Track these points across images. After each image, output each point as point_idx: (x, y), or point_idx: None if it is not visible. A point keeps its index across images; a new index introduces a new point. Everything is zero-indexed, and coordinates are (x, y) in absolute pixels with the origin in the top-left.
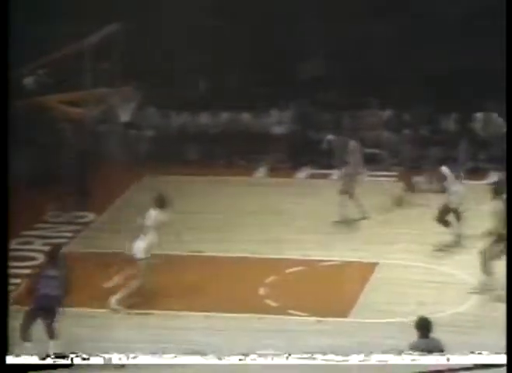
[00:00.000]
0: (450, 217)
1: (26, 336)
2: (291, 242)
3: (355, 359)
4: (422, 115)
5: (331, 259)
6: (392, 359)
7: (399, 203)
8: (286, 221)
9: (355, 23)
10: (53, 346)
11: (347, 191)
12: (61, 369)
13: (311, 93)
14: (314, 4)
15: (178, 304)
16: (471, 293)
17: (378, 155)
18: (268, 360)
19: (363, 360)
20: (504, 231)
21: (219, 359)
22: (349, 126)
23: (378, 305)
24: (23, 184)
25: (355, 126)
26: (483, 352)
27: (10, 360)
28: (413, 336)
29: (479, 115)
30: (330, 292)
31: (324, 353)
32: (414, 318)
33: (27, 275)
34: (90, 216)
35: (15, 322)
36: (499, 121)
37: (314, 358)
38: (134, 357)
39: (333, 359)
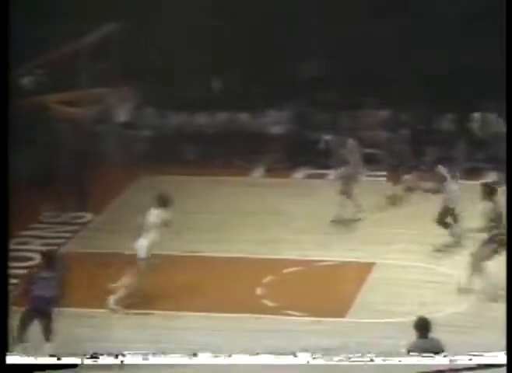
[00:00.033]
0: (448, 218)
1: (22, 337)
2: (288, 243)
3: (352, 359)
4: (420, 115)
5: (329, 259)
6: (390, 359)
7: (393, 202)
8: (284, 221)
9: (355, 23)
10: (50, 348)
11: (346, 191)
12: (62, 369)
13: (309, 93)
14: (314, 4)
15: (175, 304)
16: (463, 293)
17: (375, 155)
18: (268, 360)
19: (361, 360)
20: (494, 232)
21: (217, 358)
22: (347, 126)
23: (375, 305)
24: (21, 184)
25: (353, 126)
26: (483, 352)
27: (10, 360)
28: (411, 335)
29: (476, 115)
30: (327, 292)
31: (322, 354)
32: (411, 318)
33: (23, 276)
34: (88, 216)
35: (12, 323)
36: (496, 121)
37: (314, 358)
38: (132, 357)
39: (331, 359)
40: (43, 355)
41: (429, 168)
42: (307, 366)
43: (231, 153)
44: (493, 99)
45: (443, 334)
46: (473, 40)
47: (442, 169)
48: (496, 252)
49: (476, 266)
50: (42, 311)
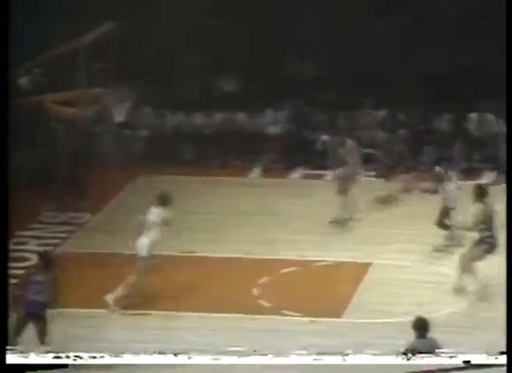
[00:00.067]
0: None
1: (16, 341)
2: (286, 243)
3: (350, 359)
4: (418, 115)
5: (325, 259)
6: (388, 359)
7: (390, 202)
8: (281, 221)
9: (355, 23)
10: (45, 352)
11: (344, 191)
12: (61, 369)
13: (307, 93)
14: (314, 4)
15: (172, 304)
16: (460, 293)
17: (373, 155)
18: (267, 360)
19: (358, 360)
20: (485, 234)
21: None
22: (344, 126)
23: (372, 305)
24: (18, 184)
25: (350, 126)
26: (481, 352)
27: (10, 360)
28: (408, 335)
29: (473, 115)
30: (323, 292)
31: (319, 353)
32: (408, 318)
33: (20, 278)
34: (85, 216)
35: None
36: (493, 121)
37: (313, 358)
38: (131, 357)
39: (328, 359)
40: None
41: (427, 168)
42: (305, 366)
43: (229, 153)
44: (493, 99)
45: (441, 334)
46: (473, 40)
47: (440, 170)
48: (486, 253)
49: (466, 266)
50: (36, 316)
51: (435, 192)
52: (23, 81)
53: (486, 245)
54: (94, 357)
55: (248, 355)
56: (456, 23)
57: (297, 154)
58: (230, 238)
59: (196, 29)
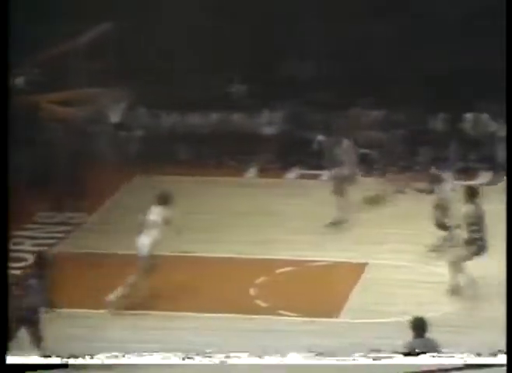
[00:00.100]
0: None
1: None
2: (281, 243)
3: (347, 359)
4: (418, 115)
5: (321, 259)
6: (385, 359)
7: (383, 202)
8: (277, 221)
9: (355, 23)
10: (40, 353)
11: (340, 191)
12: (61, 369)
13: (306, 93)
14: (314, 4)
15: (169, 304)
16: (455, 293)
17: (369, 155)
18: (267, 360)
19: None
20: (475, 235)
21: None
22: (340, 126)
23: (368, 305)
24: (15, 184)
25: (346, 126)
26: (478, 352)
27: (10, 360)
28: (405, 335)
29: (469, 115)
30: (320, 292)
31: (315, 354)
32: (404, 318)
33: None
34: (81, 216)
35: None
36: (489, 121)
37: (309, 358)
38: (131, 357)
39: (324, 359)
40: (35, 355)
41: (423, 168)
42: (301, 366)
43: (224, 153)
44: (493, 99)
45: (437, 334)
46: (473, 40)
47: (436, 171)
48: (474, 254)
49: (456, 266)
50: (29, 320)
51: (431, 192)
52: (23, 80)
53: (475, 246)
54: (93, 358)
55: (248, 355)
56: (456, 23)
57: (293, 154)
58: (226, 238)
59: (195, 29)
